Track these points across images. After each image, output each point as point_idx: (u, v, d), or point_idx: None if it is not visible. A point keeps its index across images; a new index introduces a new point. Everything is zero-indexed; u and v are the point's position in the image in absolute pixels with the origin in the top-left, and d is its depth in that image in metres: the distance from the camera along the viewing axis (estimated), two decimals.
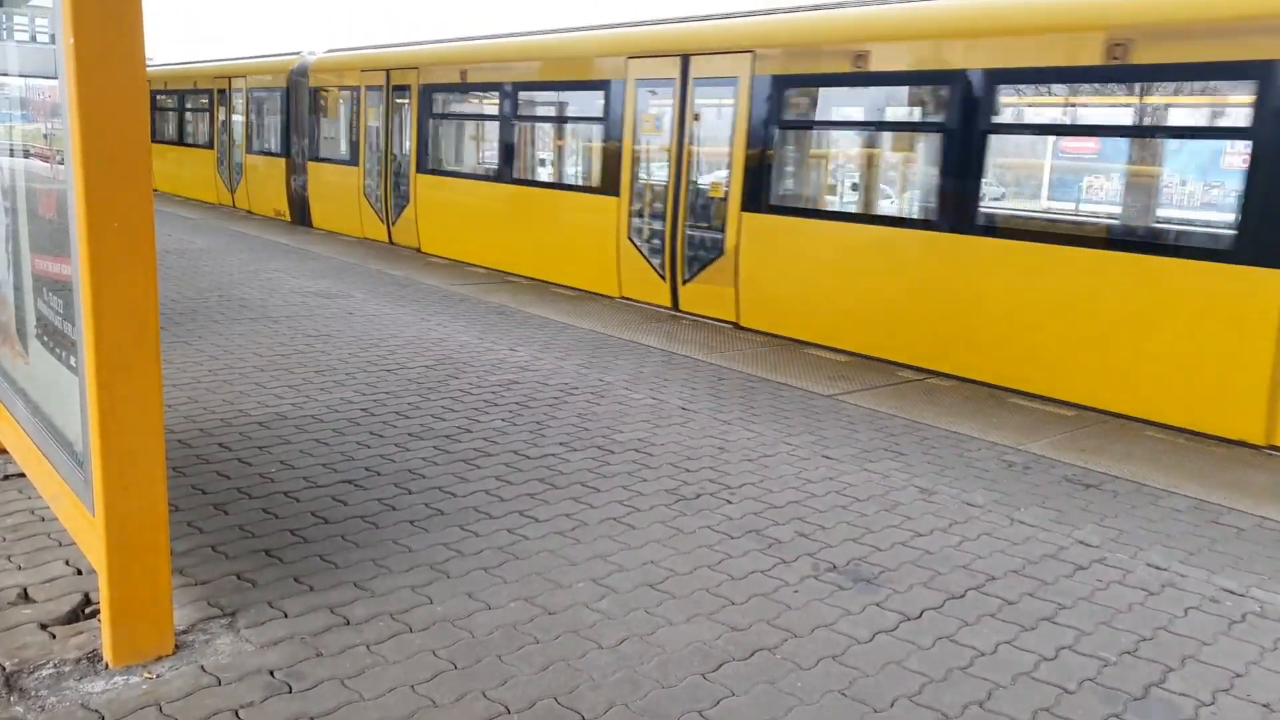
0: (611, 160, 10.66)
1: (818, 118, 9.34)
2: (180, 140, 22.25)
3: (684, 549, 4.21)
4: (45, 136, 3.46)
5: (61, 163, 3.10)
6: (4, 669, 3.06)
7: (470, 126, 14.21)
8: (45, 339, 3.65)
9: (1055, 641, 3.55)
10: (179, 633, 3.27)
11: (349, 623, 3.43)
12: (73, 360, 3.20)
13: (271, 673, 3.10)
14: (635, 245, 10.42)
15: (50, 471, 3.57)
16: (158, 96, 22.82)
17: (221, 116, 19.90)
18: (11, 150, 4.03)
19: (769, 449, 5.66)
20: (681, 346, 8.49)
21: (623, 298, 10.64)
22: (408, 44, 15.13)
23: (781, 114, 8.94)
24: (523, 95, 12.20)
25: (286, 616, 3.46)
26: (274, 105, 17.95)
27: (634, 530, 4.38)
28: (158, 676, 3.05)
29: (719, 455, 5.50)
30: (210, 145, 20.59)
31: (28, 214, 3.86)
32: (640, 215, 10.40)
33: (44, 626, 3.32)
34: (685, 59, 9.75)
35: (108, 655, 3.09)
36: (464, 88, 13.25)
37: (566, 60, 11.44)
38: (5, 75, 4.12)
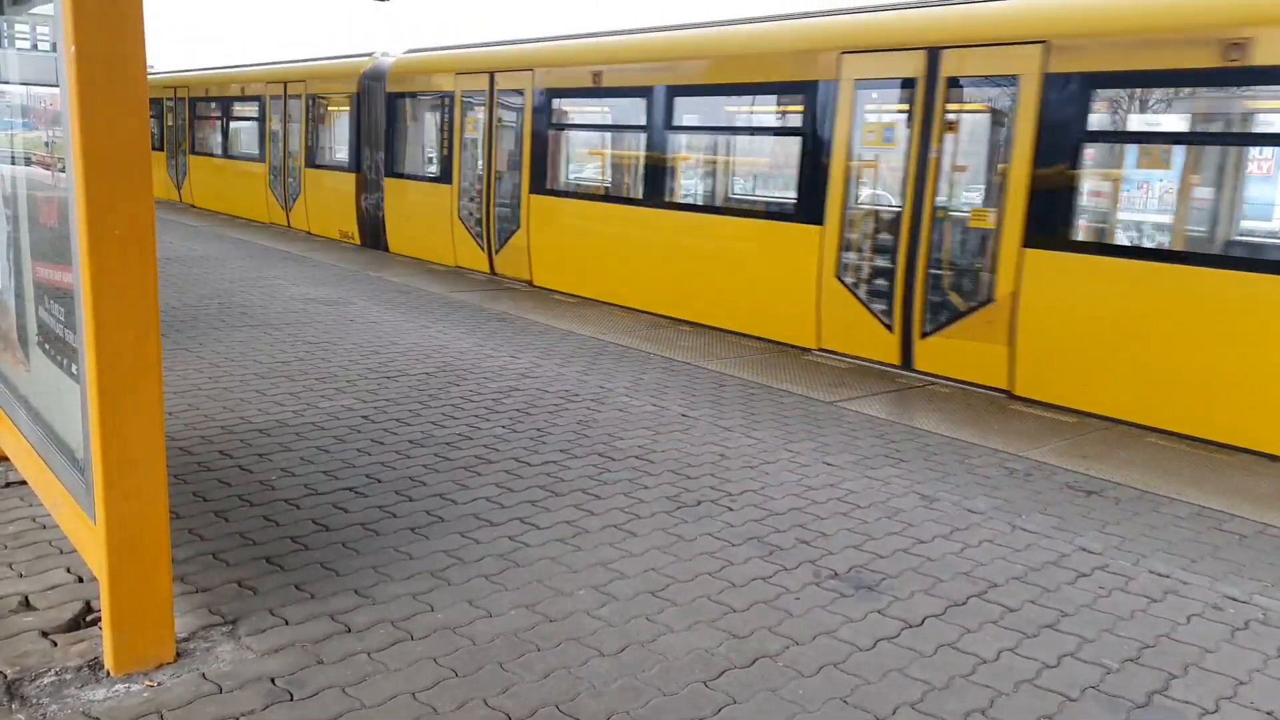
0: (812, 180, 8.56)
1: (1160, 129, 7.09)
2: (225, 152, 20.16)
3: (685, 556, 4.20)
4: (46, 144, 3.47)
5: (63, 170, 3.10)
6: (5, 677, 3.05)
7: (605, 139, 11.92)
8: (46, 346, 3.65)
9: (1058, 649, 3.55)
10: (180, 640, 3.27)
11: (350, 630, 3.43)
12: (74, 368, 3.20)
13: (273, 680, 3.09)
14: (846, 286, 8.34)
15: (51, 479, 3.57)
16: (197, 104, 20.96)
17: (275, 126, 17.76)
18: (13, 158, 4.04)
19: (770, 456, 5.66)
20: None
21: (822, 349, 8.59)
22: (515, 41, 12.95)
23: (1087, 121, 6.82)
24: (682, 101, 10.03)
25: (287, 624, 3.45)
26: (341, 113, 16.01)
27: (635, 537, 4.38)
28: (159, 684, 3.04)
29: (720, 462, 5.49)
30: (261, 158, 18.44)
31: (29, 222, 3.87)
32: (855, 249, 8.33)
33: (45, 634, 3.32)
34: (933, 52, 7.68)
35: (109, 663, 3.09)
36: (598, 92, 11.04)
37: (749, 58, 9.28)
38: (6, 83, 4.12)
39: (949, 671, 3.35)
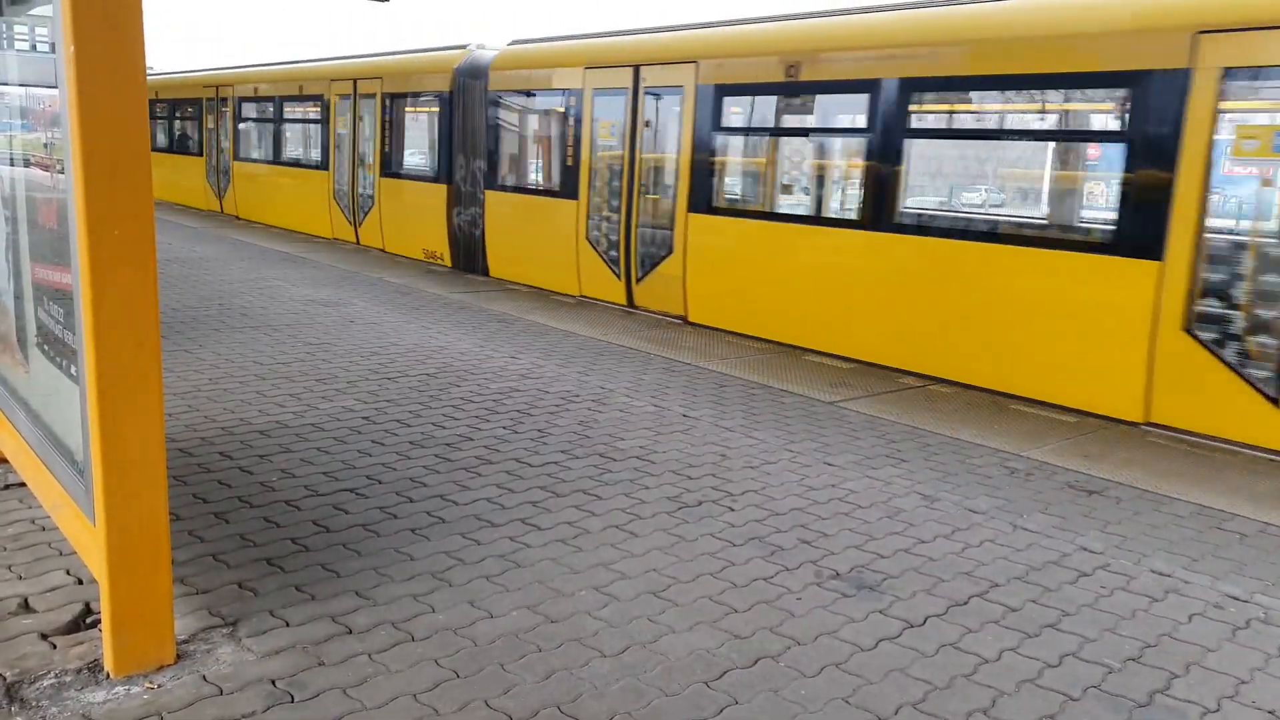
0: (1143, 201, 6.57)
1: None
2: (278, 159, 17.84)
3: (686, 556, 4.19)
4: (45, 145, 3.46)
5: (62, 172, 3.10)
6: (5, 679, 3.05)
7: (799, 146, 9.76)
8: (46, 348, 3.64)
9: (1059, 648, 3.54)
10: (180, 642, 3.26)
11: (351, 631, 3.42)
12: (73, 369, 3.20)
13: (273, 682, 3.09)
14: (1201, 341, 6.32)
15: (51, 480, 3.56)
16: (244, 105, 18.78)
17: (342, 129, 15.49)
18: (12, 159, 4.03)
19: (771, 456, 5.65)
20: None
21: (1150, 423, 6.65)
22: (668, 28, 10.83)
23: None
24: (920, 97, 8.03)
25: (288, 625, 3.44)
26: (426, 115, 13.96)
27: (636, 538, 4.37)
28: (159, 686, 3.03)
29: (721, 463, 5.49)
30: (323, 166, 16.09)
31: (28, 223, 3.86)
32: (1218, 294, 6.31)
33: (45, 636, 3.31)
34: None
35: (109, 665, 3.08)
36: (792, 88, 8.92)
37: (1035, 43, 7.27)
38: (5, 84, 4.12)
39: (951, 671, 3.34)
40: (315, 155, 16.69)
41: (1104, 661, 3.46)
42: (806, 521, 4.66)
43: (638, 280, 10.47)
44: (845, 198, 9.35)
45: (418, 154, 14.56)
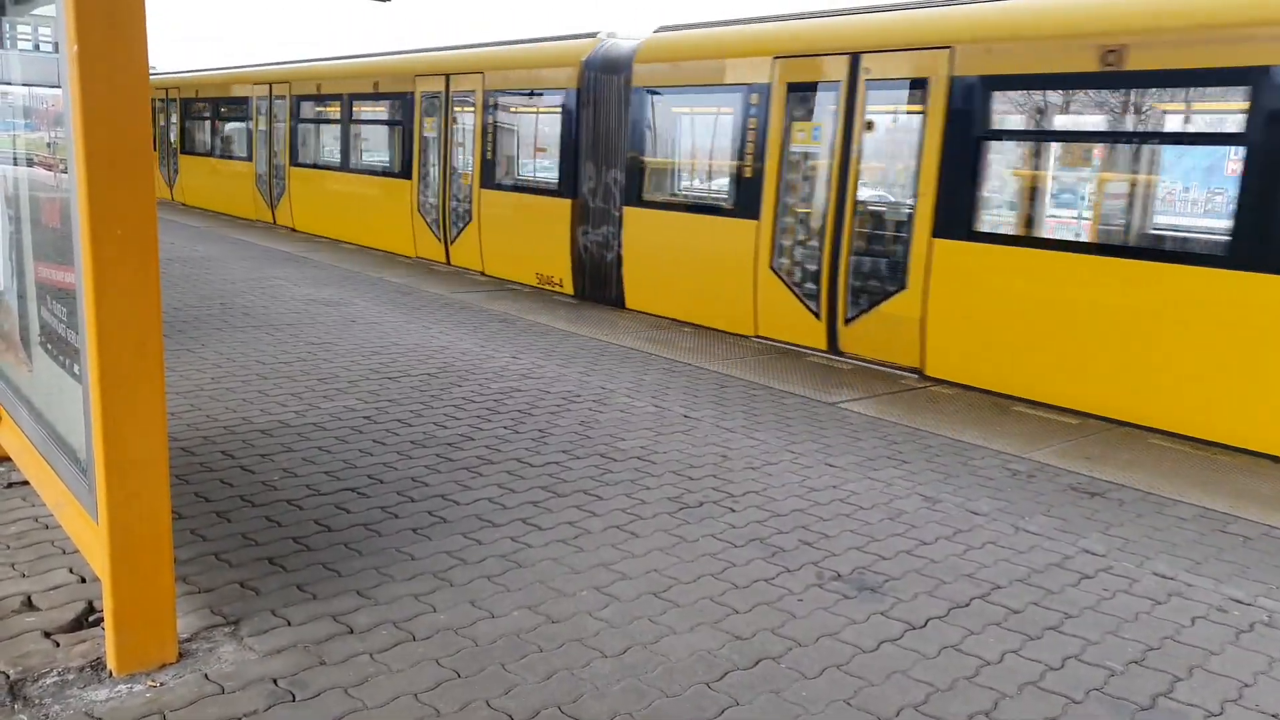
0: None
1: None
2: (344, 165, 15.57)
3: (687, 557, 4.19)
4: (48, 145, 3.46)
5: (65, 171, 3.10)
6: (8, 677, 3.05)
7: (1130, 155, 7.48)
8: (49, 346, 3.65)
9: (1062, 651, 3.54)
10: (182, 641, 3.26)
11: (352, 631, 3.42)
12: (76, 368, 3.20)
13: (275, 681, 3.09)
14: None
15: (54, 479, 3.57)
16: (303, 104, 16.72)
17: (429, 132, 13.41)
18: (15, 159, 4.04)
19: (772, 457, 5.65)
20: None
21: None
22: (885, 6, 8.63)
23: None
24: None
25: (290, 624, 3.45)
26: (542, 117, 11.87)
27: (637, 538, 4.37)
28: (161, 685, 3.04)
29: (722, 463, 5.49)
30: (403, 173, 14.05)
31: (31, 222, 3.87)
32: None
33: (48, 634, 3.32)
34: None
35: (111, 663, 3.08)
36: (1108, 79, 6.69)
37: None
38: (8, 84, 4.12)
39: (952, 673, 3.34)
40: (394, 162, 14.53)
41: (1106, 664, 3.46)
42: (808, 523, 4.66)
43: (846, 321, 8.35)
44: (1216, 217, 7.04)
45: (530, 162, 12.39)
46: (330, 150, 16.32)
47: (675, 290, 10.14)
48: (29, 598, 3.57)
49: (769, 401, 6.94)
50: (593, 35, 11.39)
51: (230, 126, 19.87)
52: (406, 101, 13.90)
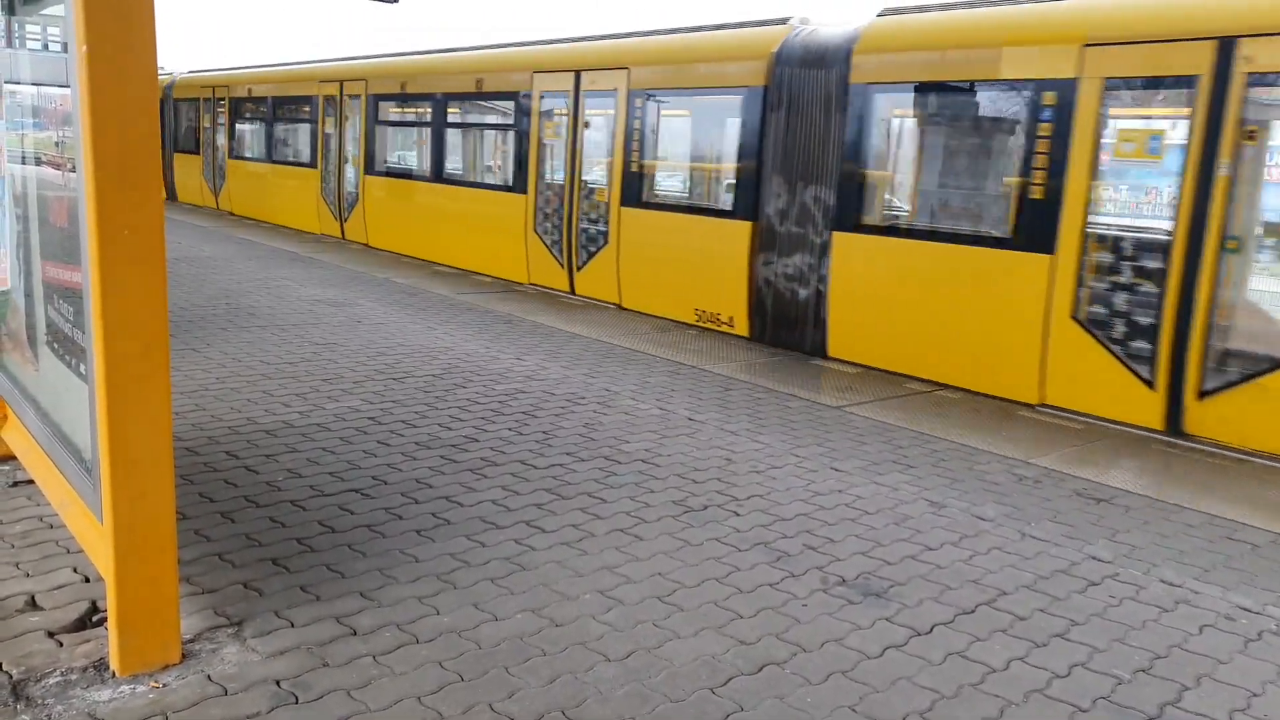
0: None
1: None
2: (436, 175, 13.56)
3: (691, 561, 4.18)
4: (57, 144, 3.47)
5: (73, 170, 3.10)
6: (11, 677, 3.05)
7: None
8: (55, 346, 3.65)
9: (1068, 658, 3.52)
10: (186, 642, 3.26)
11: (355, 633, 3.42)
12: (82, 367, 3.20)
13: (278, 683, 3.08)
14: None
15: (59, 478, 3.57)
16: (379, 104, 14.79)
17: (549, 138, 11.41)
18: (23, 158, 4.04)
19: (777, 461, 5.64)
20: None
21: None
22: None
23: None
24: None
25: (293, 626, 3.44)
26: (708, 120, 10.17)
27: (641, 542, 4.36)
28: (164, 686, 3.03)
29: (726, 467, 5.47)
30: (515, 187, 11.92)
31: (39, 221, 3.87)
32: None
33: (51, 634, 3.31)
34: None
35: (115, 664, 3.08)
36: None
37: None
38: (17, 83, 4.13)
39: (958, 680, 3.33)
40: (503, 173, 12.71)
41: (1113, 672, 3.44)
42: (813, 527, 4.65)
43: (1201, 394, 6.42)
44: None
45: (691, 176, 10.53)
46: (417, 158, 14.60)
47: (909, 339, 7.99)
48: (33, 597, 3.57)
49: (773, 405, 6.92)
50: (782, 21, 9.39)
51: (290, 129, 18.14)
52: (522, 102, 11.77)
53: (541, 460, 5.40)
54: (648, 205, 10.25)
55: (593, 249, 10.90)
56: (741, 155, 9.28)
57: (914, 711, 3.12)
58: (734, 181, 9.46)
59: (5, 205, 4.31)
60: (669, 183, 10.66)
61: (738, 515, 4.74)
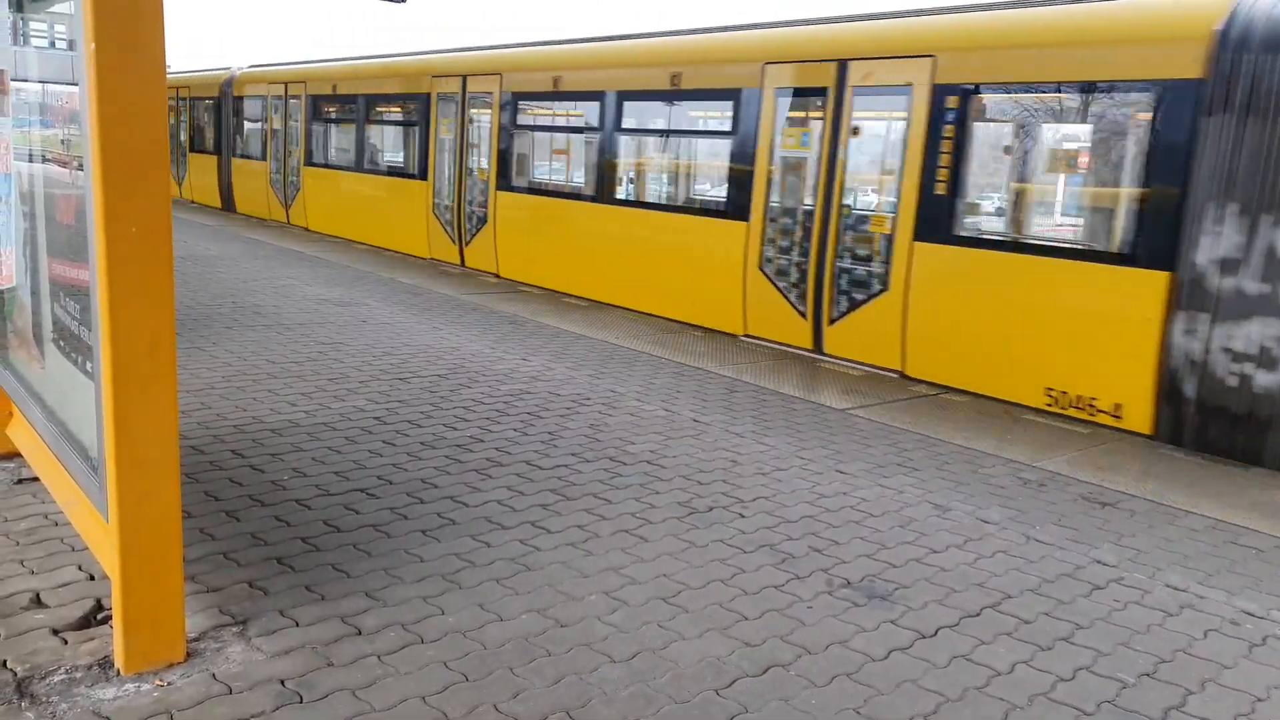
0: None
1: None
2: (599, 195, 10.82)
3: (697, 562, 4.18)
4: (64, 142, 3.47)
5: (80, 168, 3.10)
6: (16, 674, 3.05)
7: None
8: (61, 344, 3.65)
9: (1073, 662, 3.51)
10: (190, 640, 3.26)
11: (360, 632, 3.42)
12: (89, 365, 3.20)
13: (282, 682, 3.08)
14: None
15: (65, 476, 3.57)
16: (519, 103, 12.15)
17: (789, 148, 8.77)
18: (30, 156, 4.05)
19: (782, 463, 5.63)
20: None
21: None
22: None
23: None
24: None
25: (298, 625, 3.44)
26: (1074, 124, 7.33)
27: (646, 543, 4.36)
28: (169, 684, 3.03)
29: (731, 468, 5.47)
30: (731, 212, 9.29)
31: (46, 219, 3.87)
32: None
33: (56, 632, 3.32)
34: None
35: (119, 662, 3.08)
36: None
37: None
38: (25, 81, 4.13)
39: (962, 683, 3.32)
40: (711, 193, 10.24)
41: (1118, 676, 3.43)
42: (818, 529, 4.64)
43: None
44: None
45: (1048, 202, 8.08)
46: (575, 172, 11.66)
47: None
48: (38, 595, 3.57)
49: (779, 406, 6.92)
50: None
51: (389, 133, 15.58)
52: (745, 101, 9.08)
53: (547, 461, 5.40)
54: (966, 243, 7.53)
55: (859, 299, 8.31)
56: (1146, 174, 6.61)
57: (918, 714, 3.11)
58: (1130, 211, 6.81)
59: (12, 202, 4.31)
60: (1010, 212, 7.88)
61: (743, 517, 4.74)
